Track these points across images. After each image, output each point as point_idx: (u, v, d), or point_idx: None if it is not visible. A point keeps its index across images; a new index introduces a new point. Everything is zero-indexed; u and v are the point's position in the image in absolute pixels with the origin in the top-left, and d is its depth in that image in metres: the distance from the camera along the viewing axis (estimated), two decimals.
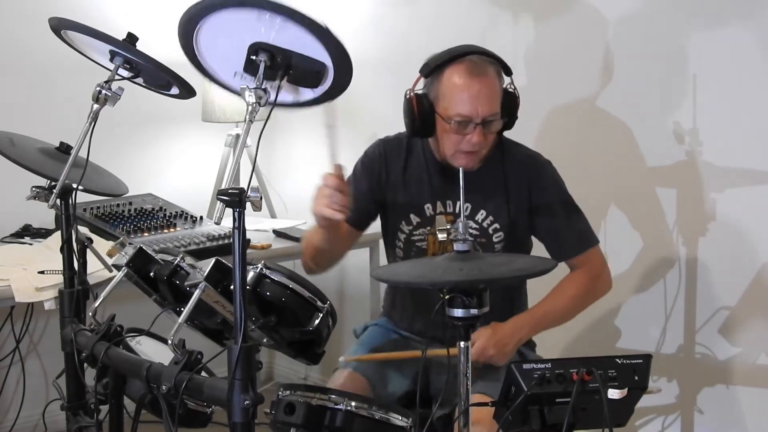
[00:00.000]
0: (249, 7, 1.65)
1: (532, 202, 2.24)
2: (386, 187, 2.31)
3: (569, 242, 2.26)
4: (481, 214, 2.25)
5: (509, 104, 2.17)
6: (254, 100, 1.65)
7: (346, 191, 2.04)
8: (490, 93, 2.12)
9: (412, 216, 2.29)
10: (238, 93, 1.69)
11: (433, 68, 2.15)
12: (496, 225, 2.25)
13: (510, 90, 2.18)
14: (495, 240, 2.25)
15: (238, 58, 1.71)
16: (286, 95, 1.79)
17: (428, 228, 2.28)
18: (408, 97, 2.16)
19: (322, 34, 1.66)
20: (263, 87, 1.66)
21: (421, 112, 2.15)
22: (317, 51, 1.69)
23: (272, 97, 1.68)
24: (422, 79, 2.19)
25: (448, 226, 1.69)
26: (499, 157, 2.25)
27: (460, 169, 1.75)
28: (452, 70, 2.12)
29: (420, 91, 2.18)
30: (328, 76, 1.75)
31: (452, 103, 2.12)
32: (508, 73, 2.18)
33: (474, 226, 2.23)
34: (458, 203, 2.21)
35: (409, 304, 2.38)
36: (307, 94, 1.81)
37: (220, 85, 1.86)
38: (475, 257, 1.69)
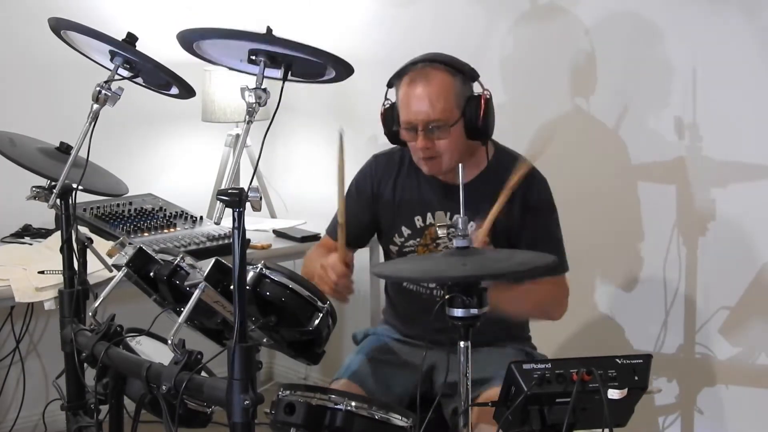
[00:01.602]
0: (238, 39, 1.69)
1: (521, 218, 2.23)
2: (378, 204, 2.36)
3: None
4: (470, 226, 2.24)
5: (472, 109, 2.17)
6: (254, 100, 1.65)
7: (349, 276, 2.11)
8: (431, 99, 2.14)
9: (403, 228, 2.32)
10: (248, 72, 1.71)
11: (392, 79, 2.23)
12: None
13: (476, 95, 2.18)
14: None
15: (241, 54, 1.73)
16: None
17: (418, 239, 2.31)
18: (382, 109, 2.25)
19: (317, 56, 1.69)
20: (263, 87, 1.67)
21: (388, 123, 2.26)
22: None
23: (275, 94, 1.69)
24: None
25: (448, 222, 1.69)
26: (494, 168, 2.25)
27: (460, 179, 1.76)
28: (403, 80, 2.20)
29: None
30: (330, 72, 1.77)
31: (401, 111, 2.20)
32: (474, 77, 2.20)
33: None
34: (447, 215, 2.23)
35: (407, 308, 2.38)
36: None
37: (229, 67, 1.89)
38: (476, 253, 1.70)
